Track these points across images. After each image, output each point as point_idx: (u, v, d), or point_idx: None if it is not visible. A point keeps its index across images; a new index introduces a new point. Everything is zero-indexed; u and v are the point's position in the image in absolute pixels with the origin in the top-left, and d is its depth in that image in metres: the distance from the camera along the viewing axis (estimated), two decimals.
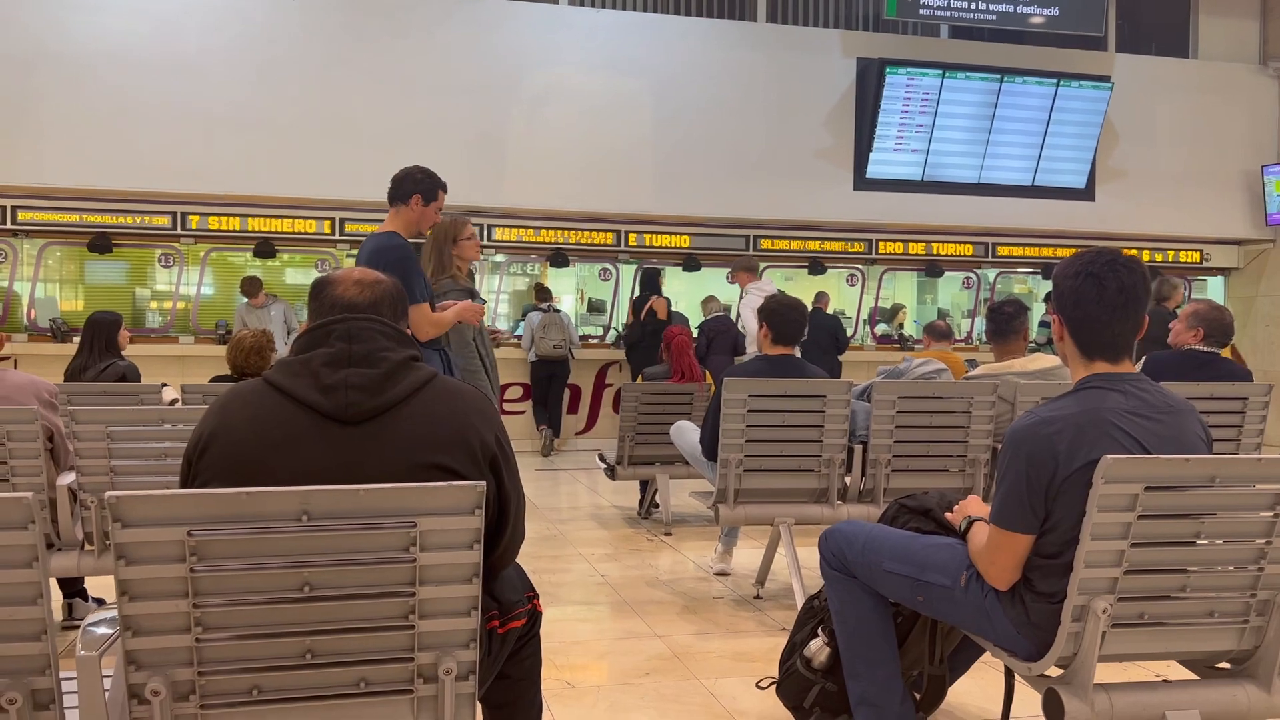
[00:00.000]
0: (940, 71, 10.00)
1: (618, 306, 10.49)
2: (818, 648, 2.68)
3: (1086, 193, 10.67)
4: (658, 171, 9.77)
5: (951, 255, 10.90)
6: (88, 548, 3.47)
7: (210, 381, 4.72)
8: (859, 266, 10.96)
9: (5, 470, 3.30)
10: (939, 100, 10.03)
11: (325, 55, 9.09)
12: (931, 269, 10.96)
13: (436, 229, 4.74)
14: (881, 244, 10.72)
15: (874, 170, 10.13)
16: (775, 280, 9.98)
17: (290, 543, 1.61)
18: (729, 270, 9.44)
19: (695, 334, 8.01)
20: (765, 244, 10.43)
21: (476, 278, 9.69)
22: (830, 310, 9.66)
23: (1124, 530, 2.04)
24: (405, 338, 1.91)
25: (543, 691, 2.29)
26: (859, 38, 10.30)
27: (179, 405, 4.12)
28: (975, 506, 2.46)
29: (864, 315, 11.03)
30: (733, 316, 9.02)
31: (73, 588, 3.96)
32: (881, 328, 11.10)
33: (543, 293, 9.54)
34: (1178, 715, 2.11)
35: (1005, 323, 4.40)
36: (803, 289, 10.02)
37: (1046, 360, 4.38)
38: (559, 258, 10.08)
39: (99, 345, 5.21)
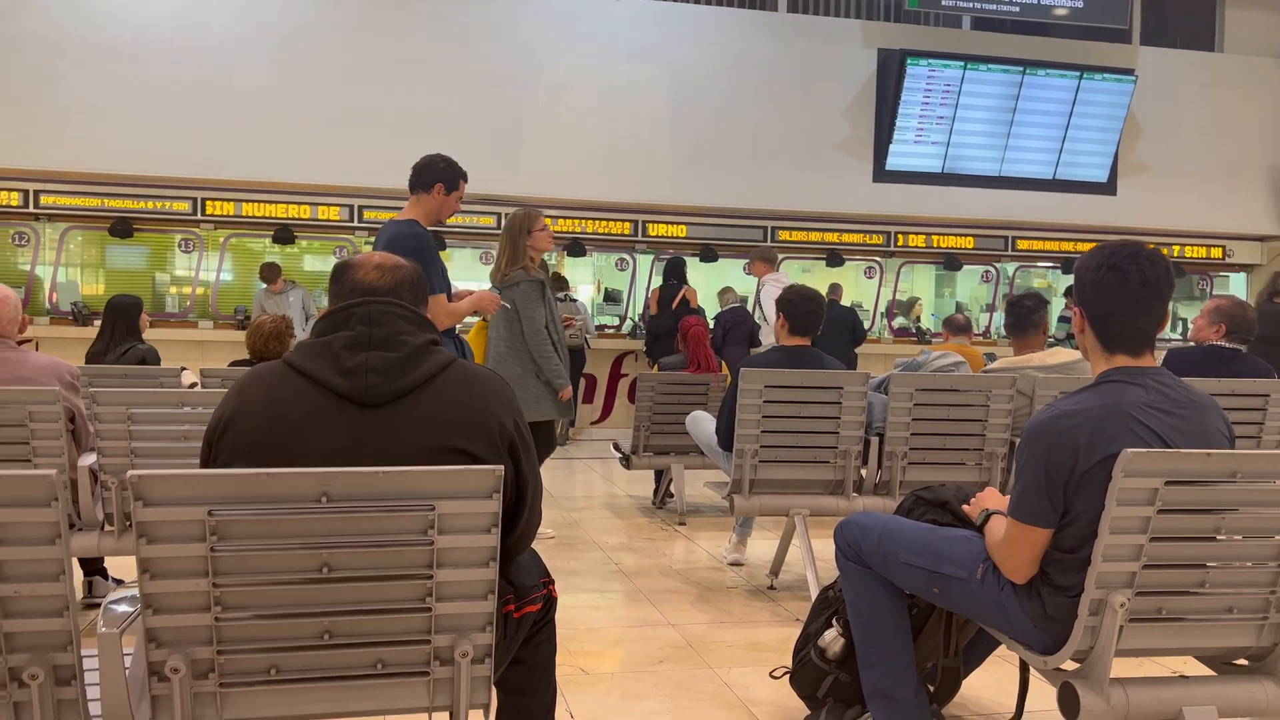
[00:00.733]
0: (962, 63, 9.93)
1: (634, 296, 10.48)
2: (832, 638, 2.68)
3: (1108, 187, 10.58)
4: (676, 161, 9.74)
5: (968, 249, 10.84)
6: (108, 528, 3.50)
7: (229, 366, 4.75)
8: (877, 259, 10.91)
9: (27, 451, 3.33)
10: (960, 92, 9.97)
11: (345, 42, 9.11)
12: (950, 262, 10.90)
13: (511, 220, 4.85)
14: (900, 236, 10.67)
15: (893, 162, 10.07)
16: (793, 272, 9.96)
17: (309, 524, 1.62)
18: (746, 261, 9.42)
19: (711, 325, 7.99)
20: (783, 235, 10.40)
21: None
22: (846, 303, 9.63)
23: (1143, 524, 2.03)
24: (425, 322, 1.91)
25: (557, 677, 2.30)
26: (880, 28, 10.23)
27: (198, 389, 4.15)
28: (993, 499, 2.45)
29: (881, 308, 10.98)
30: (749, 308, 8.99)
31: (93, 566, 4.00)
32: (899, 321, 11.06)
33: (559, 282, 9.55)
34: (1195, 711, 2.09)
35: (1025, 316, 4.37)
36: (820, 281, 9.96)
37: (1066, 355, 4.35)
38: (576, 247, 10.08)
39: (120, 329, 5.25)
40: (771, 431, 4.02)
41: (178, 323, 9.42)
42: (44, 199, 9.04)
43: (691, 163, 9.74)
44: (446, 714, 1.75)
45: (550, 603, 2.17)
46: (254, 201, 9.35)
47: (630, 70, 9.62)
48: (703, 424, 4.63)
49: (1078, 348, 2.38)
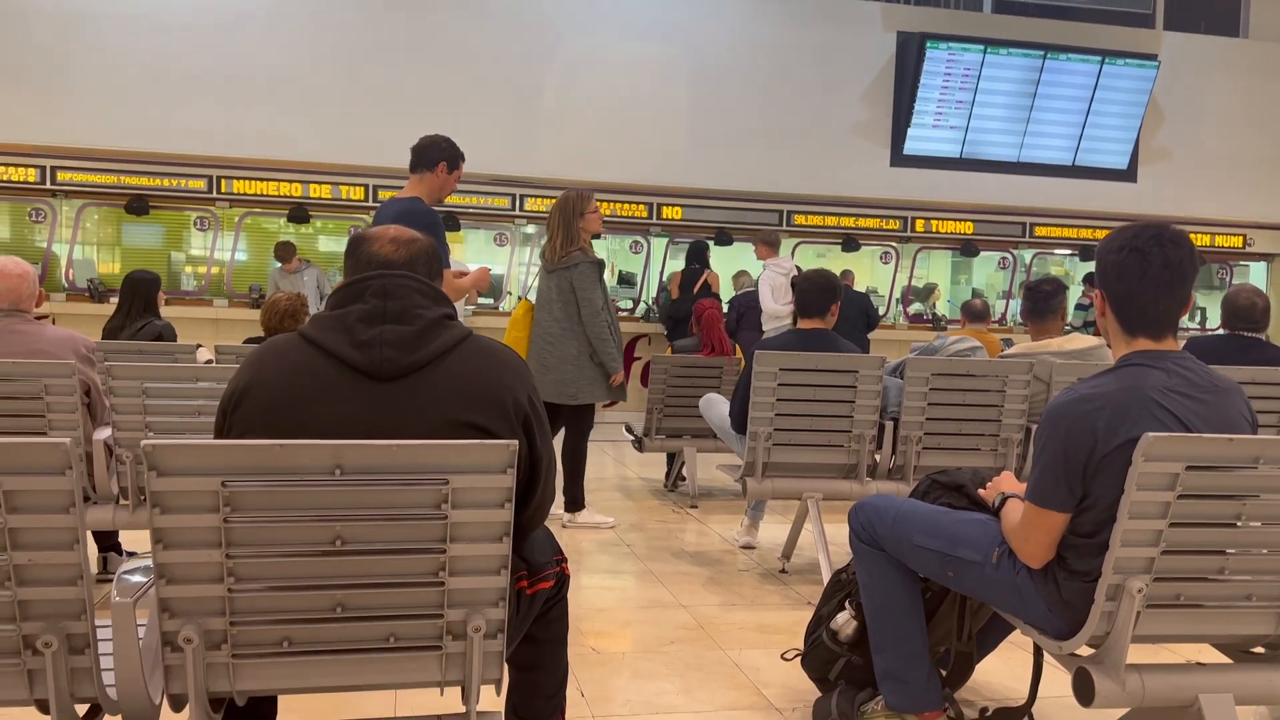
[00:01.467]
0: (982, 47, 9.83)
1: (648, 279, 10.45)
2: (844, 620, 2.67)
3: (1128, 174, 10.48)
4: (692, 143, 9.69)
5: (986, 236, 10.76)
6: (123, 502, 3.52)
7: (244, 343, 4.76)
8: (893, 244, 10.84)
9: (43, 423, 3.35)
10: (980, 76, 9.88)
11: (362, 21, 9.09)
12: (967, 248, 10.82)
13: (564, 202, 4.92)
14: (917, 222, 10.60)
15: (911, 146, 10.00)
16: (808, 257, 9.91)
17: (323, 496, 1.61)
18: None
19: (726, 308, 7.97)
20: (799, 219, 10.34)
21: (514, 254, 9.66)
22: (860, 288, 9.57)
23: (1163, 510, 2.00)
24: (440, 295, 1.90)
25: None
26: (900, 11, 10.14)
27: (213, 365, 4.15)
28: (1009, 483, 2.43)
29: (897, 294, 10.92)
30: None
31: (107, 542, 4.02)
32: (915, 307, 10.99)
33: None
34: (1211, 699, 2.07)
35: (1043, 301, 4.32)
36: (835, 266, 9.90)
37: (1084, 340, 4.30)
38: None
39: (138, 305, 5.27)
40: (786, 415, 4.00)
41: (193, 300, 9.46)
42: (61, 175, 9.06)
43: (707, 144, 9.69)
44: (458, 689, 1.75)
45: (563, 580, 2.16)
46: (270, 180, 9.36)
47: (647, 51, 9.57)
48: (716, 406, 4.61)
49: (1096, 334, 2.35)
